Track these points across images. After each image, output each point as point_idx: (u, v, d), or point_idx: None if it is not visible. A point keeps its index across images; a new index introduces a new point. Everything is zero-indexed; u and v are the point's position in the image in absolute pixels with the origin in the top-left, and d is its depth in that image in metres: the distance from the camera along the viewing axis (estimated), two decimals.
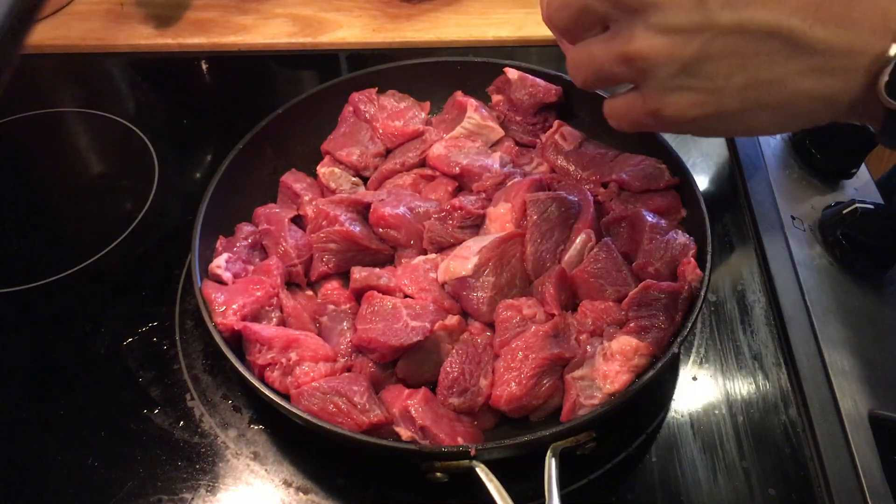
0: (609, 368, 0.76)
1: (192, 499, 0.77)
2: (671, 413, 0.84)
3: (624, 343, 0.77)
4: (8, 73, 0.61)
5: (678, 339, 0.77)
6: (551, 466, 0.70)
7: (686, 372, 0.87)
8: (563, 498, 0.69)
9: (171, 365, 0.88)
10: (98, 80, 1.28)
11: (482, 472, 0.69)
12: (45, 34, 1.29)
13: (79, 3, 1.36)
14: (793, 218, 1.00)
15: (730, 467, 0.79)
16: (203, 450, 0.81)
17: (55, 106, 1.24)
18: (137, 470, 0.79)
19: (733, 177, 1.07)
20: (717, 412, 0.83)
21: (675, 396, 0.85)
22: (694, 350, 0.89)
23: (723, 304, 0.93)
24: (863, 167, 1.11)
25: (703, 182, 1.06)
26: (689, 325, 0.78)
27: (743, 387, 0.85)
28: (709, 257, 0.82)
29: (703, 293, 0.80)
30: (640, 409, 0.83)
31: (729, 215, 1.02)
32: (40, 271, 0.98)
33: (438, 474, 0.71)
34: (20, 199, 1.10)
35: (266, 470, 0.80)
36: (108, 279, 0.98)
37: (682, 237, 0.86)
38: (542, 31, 1.28)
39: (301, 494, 0.78)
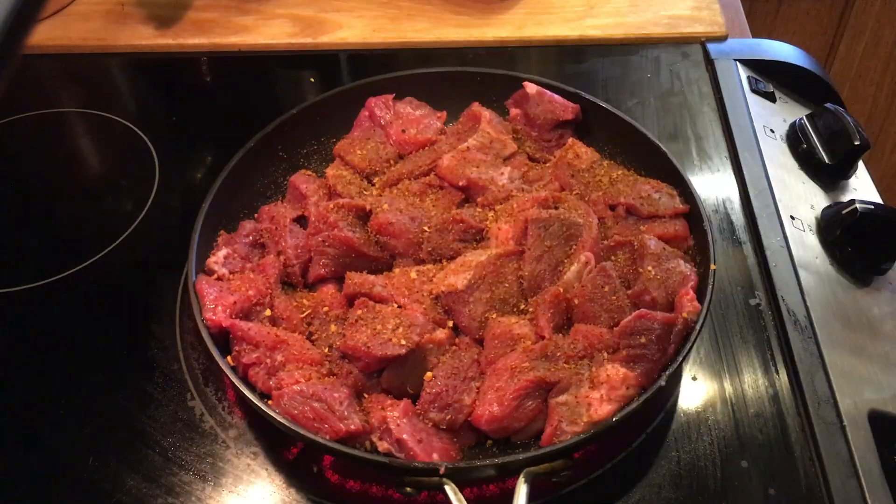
0: (594, 396, 0.74)
1: (193, 499, 0.77)
2: (671, 413, 0.84)
3: (612, 372, 0.75)
4: (8, 73, 0.61)
5: (667, 373, 0.75)
6: (521, 493, 0.68)
7: (686, 372, 0.87)
8: (563, 497, 0.69)
9: (171, 365, 0.88)
10: (98, 81, 1.28)
11: (450, 491, 0.68)
12: (46, 34, 1.29)
13: (79, 4, 1.36)
14: (793, 218, 1.00)
15: (730, 467, 0.79)
16: (203, 450, 0.81)
17: (55, 106, 1.24)
18: (137, 470, 0.79)
19: (733, 177, 1.07)
20: (717, 412, 0.83)
21: (674, 396, 0.85)
22: (694, 350, 0.89)
23: (723, 304, 0.93)
24: (862, 167, 1.11)
25: (703, 182, 1.06)
26: (681, 359, 0.76)
27: (743, 387, 0.85)
28: (709, 290, 0.80)
29: (698, 327, 0.77)
30: (639, 410, 0.83)
31: (729, 216, 1.02)
32: (40, 271, 0.97)
33: (408, 489, 0.70)
34: (20, 200, 1.10)
35: (266, 470, 0.80)
36: (109, 279, 0.98)
37: (683, 267, 0.84)
38: (542, 32, 1.29)
39: (301, 494, 0.78)
